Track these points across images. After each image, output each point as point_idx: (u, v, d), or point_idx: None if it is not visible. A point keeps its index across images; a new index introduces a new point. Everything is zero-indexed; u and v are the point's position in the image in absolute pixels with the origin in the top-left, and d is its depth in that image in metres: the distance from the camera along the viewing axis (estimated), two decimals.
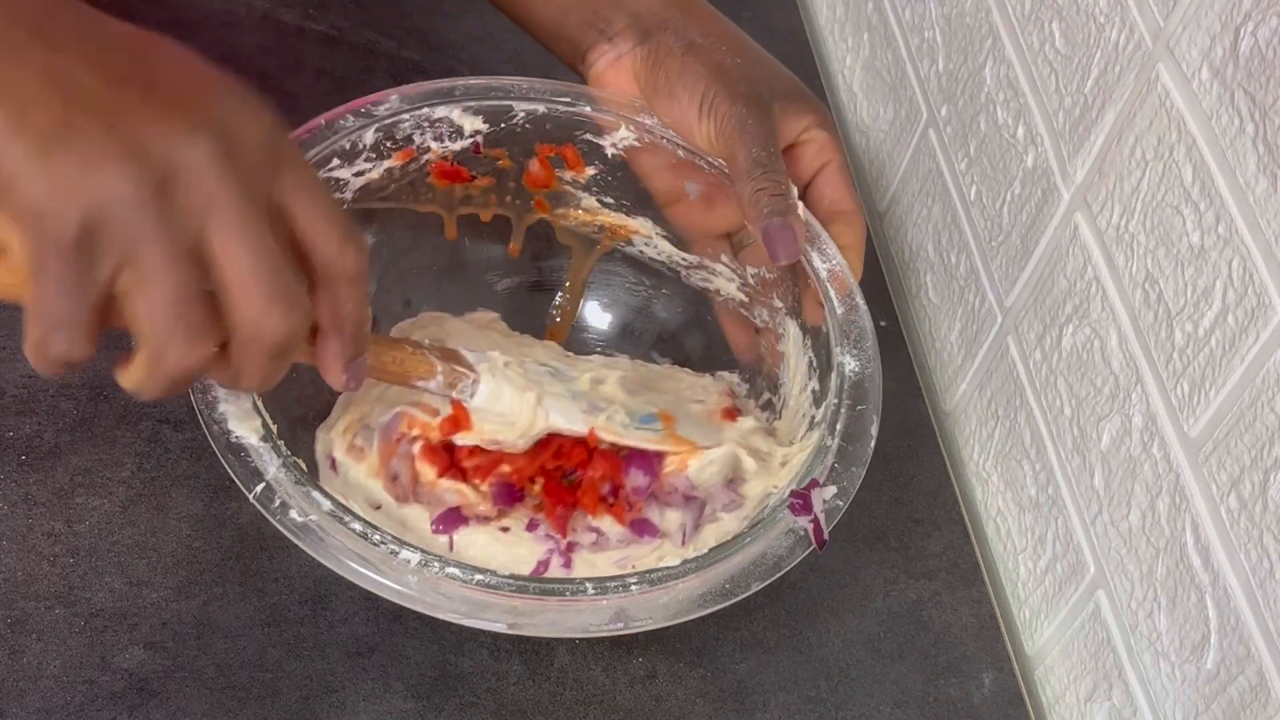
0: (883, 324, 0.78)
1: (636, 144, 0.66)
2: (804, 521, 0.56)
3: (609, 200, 0.70)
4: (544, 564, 0.60)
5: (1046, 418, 0.67)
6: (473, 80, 0.67)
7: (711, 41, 0.64)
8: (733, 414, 0.66)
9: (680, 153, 0.65)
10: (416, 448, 0.61)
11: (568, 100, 0.66)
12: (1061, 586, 0.66)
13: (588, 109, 0.66)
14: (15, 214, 0.42)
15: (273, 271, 0.45)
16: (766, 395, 0.67)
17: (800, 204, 0.63)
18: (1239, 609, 0.52)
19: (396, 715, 0.58)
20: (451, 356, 0.59)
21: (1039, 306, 0.67)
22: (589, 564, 0.61)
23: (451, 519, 0.60)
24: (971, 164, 0.75)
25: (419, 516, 0.61)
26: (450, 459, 0.61)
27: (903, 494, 0.71)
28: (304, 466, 0.54)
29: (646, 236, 0.71)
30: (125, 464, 0.62)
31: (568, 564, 0.61)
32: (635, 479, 0.61)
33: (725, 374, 0.70)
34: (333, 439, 0.62)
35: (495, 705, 0.59)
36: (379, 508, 0.61)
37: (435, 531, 0.60)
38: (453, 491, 0.60)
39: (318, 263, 0.47)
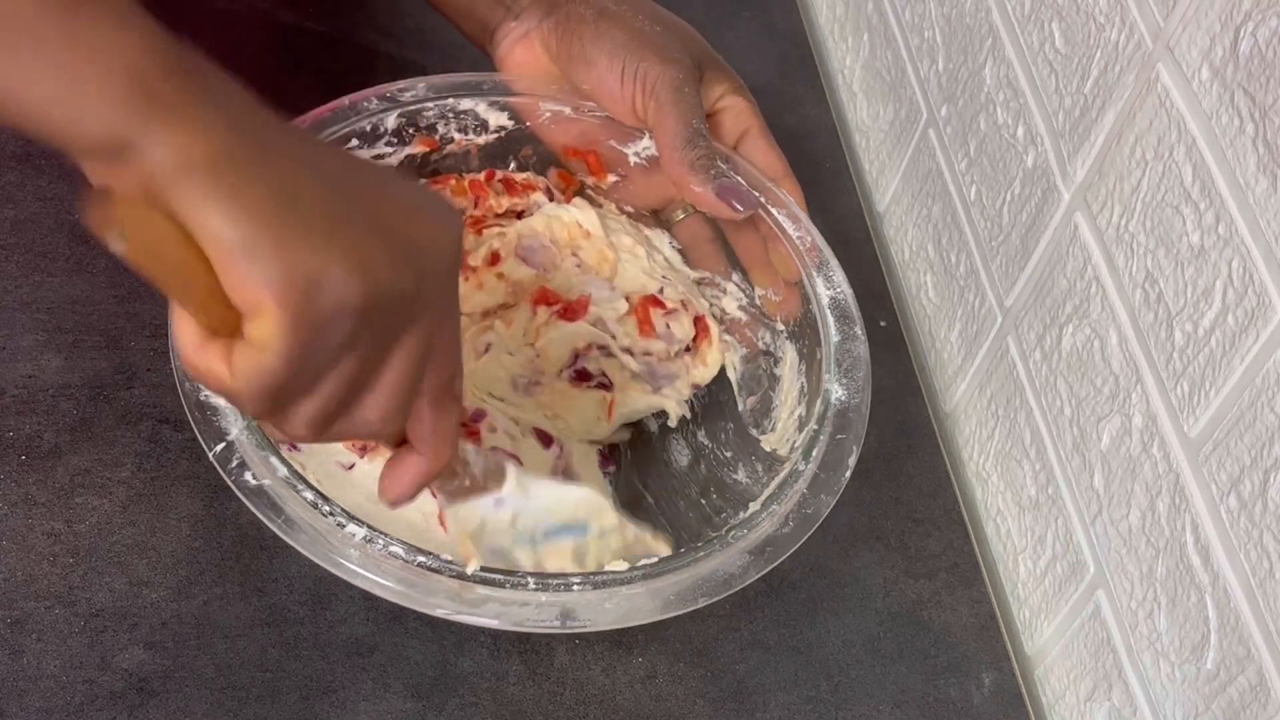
0: (883, 324, 0.78)
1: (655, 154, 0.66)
2: None
3: (629, 210, 0.70)
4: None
5: (1046, 418, 0.67)
6: (502, 77, 0.67)
7: (625, 9, 0.63)
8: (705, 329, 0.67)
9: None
10: None
11: (593, 105, 0.66)
12: (1061, 586, 0.66)
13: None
14: (289, 281, 0.40)
15: (405, 400, 0.46)
16: (758, 419, 0.67)
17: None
18: (1239, 609, 0.52)
19: (396, 715, 0.58)
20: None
21: (1039, 306, 0.67)
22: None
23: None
24: (971, 164, 0.75)
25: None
26: None
27: (903, 494, 0.71)
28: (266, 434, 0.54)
29: (657, 249, 0.71)
30: (125, 464, 0.62)
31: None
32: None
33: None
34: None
35: (495, 705, 0.59)
36: (352, 467, 0.60)
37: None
38: None
39: (422, 410, 0.48)
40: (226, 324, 0.42)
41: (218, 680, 0.57)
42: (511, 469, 0.57)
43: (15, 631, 0.56)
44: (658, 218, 0.70)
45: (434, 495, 0.56)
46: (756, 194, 0.63)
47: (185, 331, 0.42)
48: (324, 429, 0.45)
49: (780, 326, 0.66)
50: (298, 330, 0.40)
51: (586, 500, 0.59)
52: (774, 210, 0.64)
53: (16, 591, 0.57)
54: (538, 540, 0.59)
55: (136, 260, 0.39)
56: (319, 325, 0.41)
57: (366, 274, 0.41)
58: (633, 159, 0.67)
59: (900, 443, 0.73)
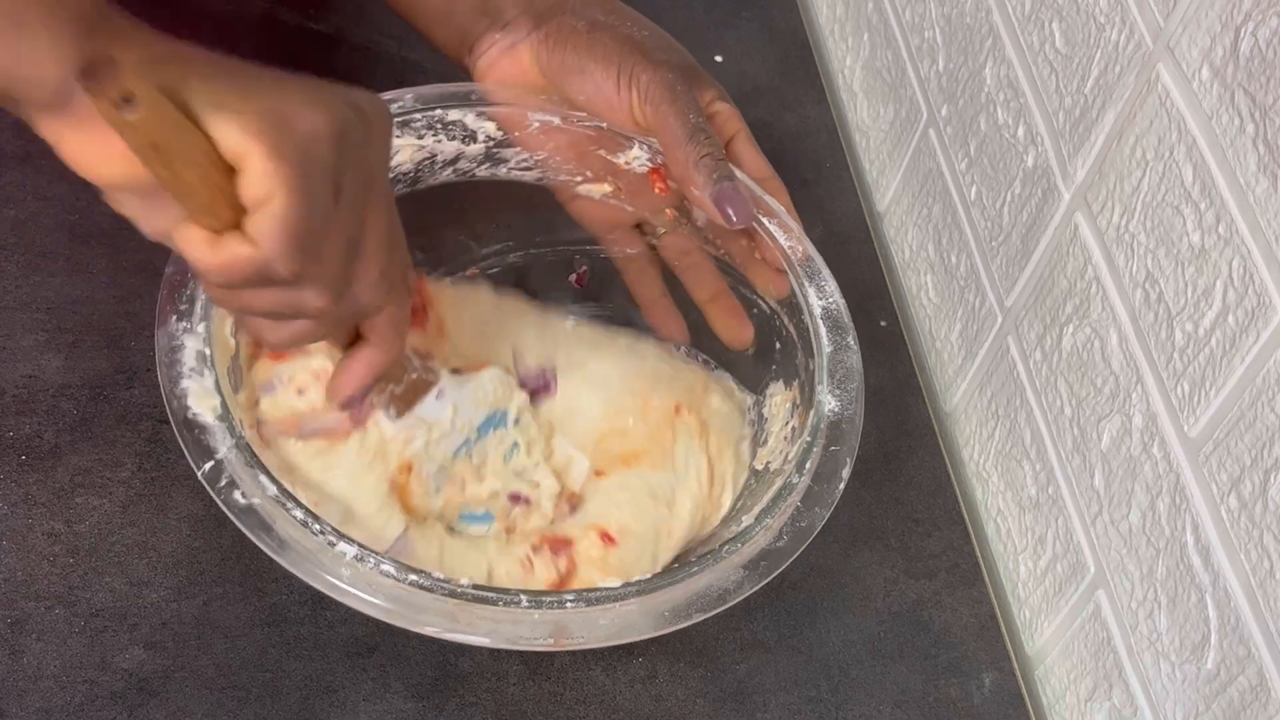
0: (883, 324, 0.78)
1: (650, 163, 0.66)
2: None
3: None
4: None
5: (1046, 418, 0.67)
6: (490, 87, 0.66)
7: (614, 19, 0.64)
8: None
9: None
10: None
11: (582, 114, 0.66)
12: (1061, 586, 0.66)
13: (604, 124, 0.66)
14: (261, 118, 0.44)
15: (386, 268, 0.51)
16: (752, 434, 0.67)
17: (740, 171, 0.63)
18: (1239, 609, 0.52)
19: (396, 715, 0.58)
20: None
21: (1039, 306, 0.67)
22: None
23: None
24: (971, 164, 0.75)
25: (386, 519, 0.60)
26: None
27: (903, 494, 0.71)
28: (255, 450, 0.54)
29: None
30: (125, 464, 0.62)
31: None
32: None
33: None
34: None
35: (495, 705, 0.59)
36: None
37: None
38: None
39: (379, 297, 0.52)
40: (225, 210, 0.44)
41: (218, 680, 0.57)
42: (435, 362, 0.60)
43: (15, 631, 0.56)
44: (641, 231, 0.70)
45: (385, 409, 0.59)
46: (752, 208, 0.63)
47: (195, 242, 0.45)
48: (338, 295, 0.49)
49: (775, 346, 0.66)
50: (284, 159, 0.44)
51: (496, 378, 0.63)
52: (765, 220, 0.63)
53: (16, 591, 0.57)
54: (472, 443, 0.61)
55: (141, 137, 0.42)
56: (300, 152, 0.44)
57: (324, 106, 0.45)
58: (624, 168, 0.67)
59: (900, 443, 0.73)
